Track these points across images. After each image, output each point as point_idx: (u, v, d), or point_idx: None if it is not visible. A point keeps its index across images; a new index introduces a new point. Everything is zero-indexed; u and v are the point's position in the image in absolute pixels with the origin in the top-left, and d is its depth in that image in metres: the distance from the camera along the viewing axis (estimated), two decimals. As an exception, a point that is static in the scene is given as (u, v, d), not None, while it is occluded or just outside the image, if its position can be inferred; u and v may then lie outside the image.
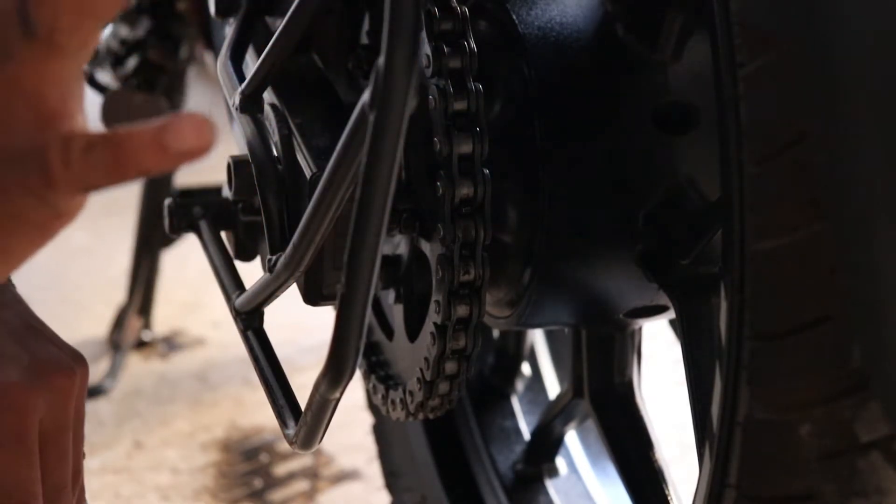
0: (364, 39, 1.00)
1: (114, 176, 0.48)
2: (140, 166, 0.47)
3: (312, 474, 1.68)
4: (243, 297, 0.94)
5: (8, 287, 0.78)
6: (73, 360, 0.77)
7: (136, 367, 1.98)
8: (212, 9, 1.07)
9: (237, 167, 0.94)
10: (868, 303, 0.66)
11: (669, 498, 0.99)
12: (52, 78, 0.49)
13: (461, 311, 0.88)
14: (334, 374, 0.70)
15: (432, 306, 0.90)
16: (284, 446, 1.73)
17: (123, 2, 0.48)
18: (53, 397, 0.75)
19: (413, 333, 0.96)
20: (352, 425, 1.65)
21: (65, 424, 0.76)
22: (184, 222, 1.07)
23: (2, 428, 0.72)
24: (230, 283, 0.99)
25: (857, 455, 0.69)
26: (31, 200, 0.50)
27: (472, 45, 0.87)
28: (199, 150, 0.47)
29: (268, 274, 0.87)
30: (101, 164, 0.48)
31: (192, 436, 1.78)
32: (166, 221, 1.08)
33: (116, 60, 1.55)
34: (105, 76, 1.58)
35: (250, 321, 0.94)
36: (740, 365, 0.72)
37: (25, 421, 0.73)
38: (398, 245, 0.98)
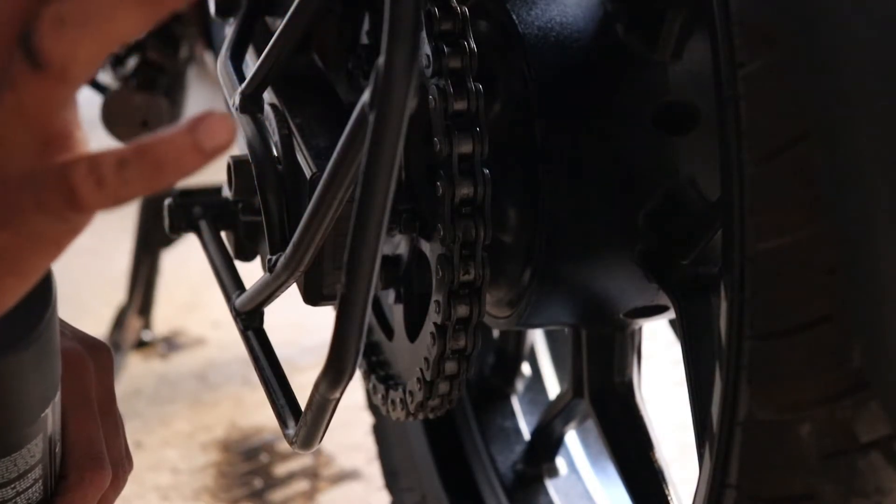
0: (364, 39, 1.00)
1: (153, 185, 0.48)
2: (179, 170, 0.48)
3: (312, 474, 1.68)
4: (243, 297, 0.94)
5: None
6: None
7: (136, 367, 1.98)
8: (212, 9, 1.07)
9: (237, 167, 0.94)
10: (868, 303, 0.66)
11: (669, 498, 0.99)
12: (57, 104, 0.49)
13: (461, 311, 0.88)
14: (334, 374, 0.70)
15: (432, 306, 0.90)
16: (284, 446, 1.73)
17: (141, 31, 0.48)
18: (99, 369, 0.77)
19: (413, 333, 0.96)
20: (352, 425, 1.65)
21: (112, 396, 0.78)
22: (184, 222, 1.07)
23: (69, 388, 0.74)
24: (230, 283, 0.99)
25: (857, 455, 0.69)
26: (49, 219, 0.50)
27: (472, 45, 0.87)
28: (228, 144, 0.48)
29: (268, 274, 0.87)
30: (138, 177, 0.48)
31: (192, 436, 1.78)
32: (166, 221, 1.08)
33: (116, 60, 1.55)
34: (105, 76, 1.58)
35: (250, 321, 0.94)
36: (740, 365, 0.72)
37: (88, 384, 0.76)
38: (398, 245, 0.98)
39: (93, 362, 0.76)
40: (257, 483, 1.66)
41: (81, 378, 0.75)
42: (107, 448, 0.76)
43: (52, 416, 0.70)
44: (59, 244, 0.52)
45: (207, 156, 0.47)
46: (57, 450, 0.72)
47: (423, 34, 0.86)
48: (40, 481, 0.71)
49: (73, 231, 0.52)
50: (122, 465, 0.77)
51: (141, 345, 2.03)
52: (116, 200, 0.49)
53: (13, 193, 0.49)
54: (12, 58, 0.48)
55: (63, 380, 0.73)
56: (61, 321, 0.79)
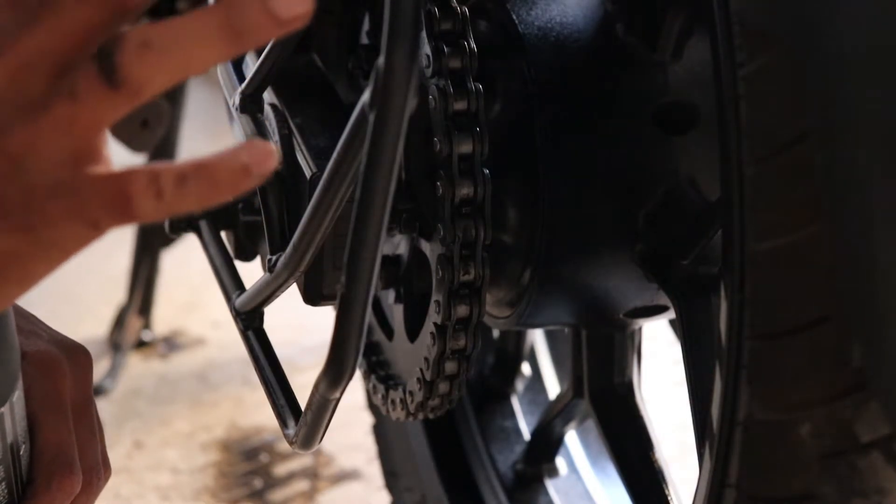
0: (364, 39, 1.00)
1: (207, 200, 0.51)
2: (233, 189, 0.50)
3: (312, 474, 1.68)
4: (243, 297, 0.94)
5: None
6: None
7: (136, 367, 1.98)
8: (212, 9, 1.06)
9: (237, 167, 0.93)
10: (868, 303, 0.66)
11: (669, 498, 0.99)
12: (111, 120, 0.51)
13: (461, 311, 0.88)
14: (334, 374, 0.70)
15: (432, 306, 0.90)
16: (284, 446, 1.73)
17: (218, 62, 0.50)
18: (76, 372, 0.76)
19: (413, 333, 0.96)
20: (352, 425, 1.65)
21: (89, 400, 0.77)
22: (184, 222, 1.07)
23: (40, 393, 0.73)
24: (230, 283, 0.99)
25: (857, 455, 0.69)
26: (78, 228, 0.51)
27: (472, 45, 0.87)
28: (271, 169, 0.50)
29: (268, 274, 0.87)
30: (195, 192, 0.50)
31: (192, 436, 1.78)
32: (166, 221, 1.08)
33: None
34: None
35: (250, 321, 0.94)
36: (740, 365, 0.72)
37: (61, 387, 0.75)
38: (398, 245, 0.98)
39: (69, 365, 0.76)
40: (257, 483, 1.66)
41: (54, 381, 0.74)
42: (80, 453, 0.74)
43: (10, 416, 0.69)
44: (67, 253, 0.53)
45: (253, 181, 0.50)
46: (22, 453, 0.71)
47: (423, 34, 0.86)
48: (3, 484, 0.69)
49: (85, 240, 0.53)
50: (96, 471, 0.75)
51: (141, 345, 2.03)
52: (170, 212, 0.51)
53: (40, 201, 0.50)
54: (78, 69, 0.49)
55: (34, 382, 0.72)
56: (41, 323, 0.78)
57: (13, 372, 0.69)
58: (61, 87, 0.49)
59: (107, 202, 0.50)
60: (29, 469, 0.72)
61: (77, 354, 0.77)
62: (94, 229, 0.51)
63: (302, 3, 0.48)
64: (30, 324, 0.78)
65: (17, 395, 0.69)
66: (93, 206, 0.50)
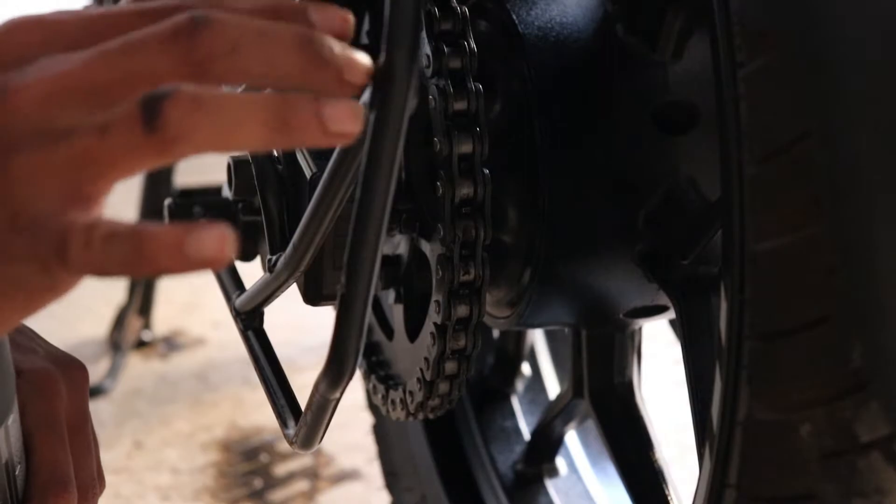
0: (364, 39, 1.00)
1: (126, 270, 0.47)
2: (155, 267, 0.47)
3: (312, 474, 1.68)
4: (243, 297, 0.94)
5: None
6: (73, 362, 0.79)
7: (136, 367, 1.98)
8: (212, 9, 1.07)
9: (237, 167, 0.94)
10: (868, 303, 0.66)
11: (669, 498, 0.99)
12: (130, 168, 0.48)
13: (461, 311, 0.88)
14: (334, 374, 0.70)
15: (432, 306, 0.90)
16: (284, 446, 1.73)
17: (259, 148, 0.49)
18: (72, 388, 0.76)
19: (413, 333, 0.96)
20: (352, 425, 1.65)
21: (85, 416, 0.77)
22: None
23: (36, 411, 0.73)
24: (230, 283, 0.99)
25: (857, 455, 0.69)
26: (36, 269, 0.49)
27: (472, 45, 0.87)
28: (217, 264, 0.47)
29: (268, 274, 0.87)
30: (117, 256, 0.47)
31: (192, 436, 1.78)
32: (166, 221, 1.08)
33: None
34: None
35: (250, 321, 0.94)
36: (740, 365, 0.72)
37: (57, 405, 0.75)
38: (398, 245, 0.98)
39: (65, 381, 0.75)
40: (257, 483, 1.66)
41: (50, 399, 0.74)
42: (75, 470, 0.75)
43: (5, 438, 0.69)
44: (31, 301, 0.51)
45: (188, 265, 0.47)
46: (17, 473, 0.71)
47: (423, 34, 0.86)
48: None
49: (50, 290, 0.50)
50: (91, 487, 0.76)
51: (141, 345, 2.03)
52: (95, 269, 0.48)
53: (7, 234, 0.48)
54: (120, 107, 0.48)
55: (30, 401, 0.72)
56: (37, 337, 0.78)
57: (9, 396, 0.69)
58: (94, 120, 0.47)
59: (53, 241, 0.48)
60: (25, 488, 0.72)
61: (73, 370, 0.77)
62: (46, 274, 0.49)
63: (351, 123, 0.48)
64: (26, 339, 0.77)
65: (13, 418, 0.69)
66: (46, 243, 0.48)
